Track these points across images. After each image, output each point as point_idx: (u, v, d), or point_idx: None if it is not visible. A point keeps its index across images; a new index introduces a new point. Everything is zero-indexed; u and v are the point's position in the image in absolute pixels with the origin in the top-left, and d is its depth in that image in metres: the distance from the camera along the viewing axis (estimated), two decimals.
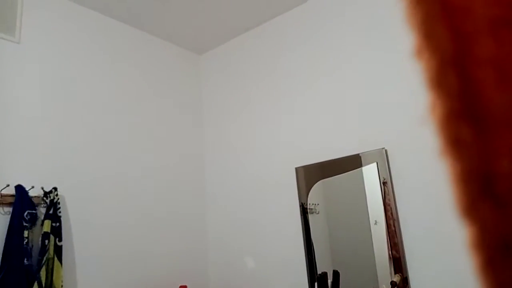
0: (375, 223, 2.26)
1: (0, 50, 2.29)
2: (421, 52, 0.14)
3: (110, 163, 2.64)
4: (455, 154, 0.13)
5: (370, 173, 2.34)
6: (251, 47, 3.15)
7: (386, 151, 2.30)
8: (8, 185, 2.12)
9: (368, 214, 2.29)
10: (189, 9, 2.85)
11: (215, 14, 2.93)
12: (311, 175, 2.61)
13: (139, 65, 3.01)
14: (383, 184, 2.27)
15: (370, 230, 2.27)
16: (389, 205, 2.23)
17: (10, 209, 2.08)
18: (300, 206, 2.62)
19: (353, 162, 2.42)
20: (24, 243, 2.00)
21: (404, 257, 2.14)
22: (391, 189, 2.24)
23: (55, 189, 2.23)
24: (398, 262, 2.15)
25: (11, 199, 2.09)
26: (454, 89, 0.13)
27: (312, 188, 2.58)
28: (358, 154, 2.40)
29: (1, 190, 2.09)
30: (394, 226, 2.20)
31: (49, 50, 2.50)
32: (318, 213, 2.54)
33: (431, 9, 0.14)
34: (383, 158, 2.30)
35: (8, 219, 2.05)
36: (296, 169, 2.69)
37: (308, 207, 2.58)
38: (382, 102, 2.38)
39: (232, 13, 2.93)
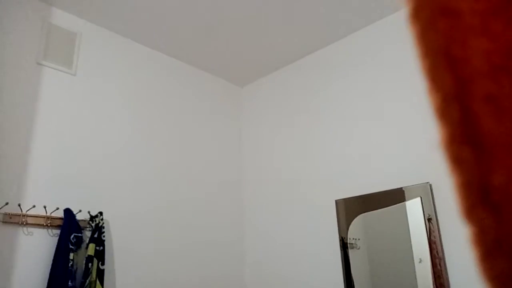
0: (420, 261, 2.15)
1: (58, 80, 2.46)
2: (429, 91, 0.17)
3: (153, 191, 2.71)
4: (457, 170, 0.16)
5: (414, 208, 2.26)
6: (292, 80, 3.19)
7: (430, 185, 2.22)
8: (57, 208, 2.23)
9: (412, 252, 2.20)
10: (232, 43, 2.95)
11: (257, 47, 3.01)
12: (351, 208, 2.55)
13: (183, 96, 3.13)
14: (428, 220, 2.18)
15: (414, 269, 2.17)
16: (434, 242, 2.13)
17: (58, 232, 2.18)
18: (340, 240, 2.56)
19: (396, 196, 2.35)
20: (69, 265, 2.07)
21: None
22: (436, 226, 2.15)
23: (101, 213, 2.32)
24: None
25: (60, 222, 2.19)
26: (456, 119, 0.16)
27: (353, 222, 2.52)
28: (401, 188, 2.33)
29: (51, 213, 2.20)
30: (440, 266, 2.09)
31: (101, 82, 2.65)
32: (359, 248, 2.46)
33: (436, 60, 0.17)
34: (427, 193, 2.22)
35: (56, 241, 2.14)
36: (336, 201, 2.64)
37: (348, 242, 2.51)
38: (427, 135, 2.32)
39: (273, 46, 3.00)
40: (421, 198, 2.24)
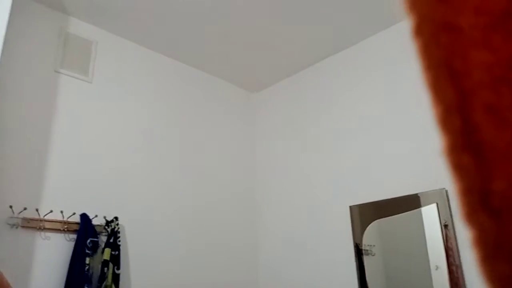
0: (436, 269, 2.12)
1: (75, 88, 2.51)
2: (432, 103, 0.18)
3: (167, 196, 2.73)
4: (458, 176, 0.17)
5: (430, 214, 2.23)
6: (305, 86, 3.19)
7: (446, 191, 2.19)
8: (74, 213, 2.26)
9: (428, 259, 2.17)
10: (244, 49, 2.97)
11: (270, 53, 3.03)
12: (366, 214, 2.53)
13: (197, 102, 3.15)
14: (444, 226, 2.15)
15: (431, 276, 2.14)
16: (451, 249, 2.10)
17: (74, 236, 2.21)
18: (354, 246, 2.54)
19: (411, 202, 2.32)
20: (86, 269, 2.10)
21: None
22: (453, 232, 2.12)
23: (116, 218, 2.34)
24: None
25: (76, 227, 2.22)
26: (457, 129, 0.17)
27: (367, 228, 2.50)
28: (417, 194, 2.31)
29: (67, 218, 2.23)
30: (457, 273, 2.05)
31: (116, 90, 2.69)
32: (374, 255, 2.44)
33: (438, 73, 0.18)
34: (443, 199, 2.19)
35: (72, 246, 2.17)
36: (351, 207, 2.63)
37: (363, 248, 2.49)
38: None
39: (286, 52, 3.01)
40: (437, 204, 2.21)
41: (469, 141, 0.17)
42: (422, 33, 0.18)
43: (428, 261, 2.17)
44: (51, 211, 2.19)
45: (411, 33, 0.19)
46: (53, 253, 2.15)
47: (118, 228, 2.32)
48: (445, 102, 0.18)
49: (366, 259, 2.46)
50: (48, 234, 2.16)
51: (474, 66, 0.17)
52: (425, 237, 2.21)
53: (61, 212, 2.22)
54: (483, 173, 0.16)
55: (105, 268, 2.16)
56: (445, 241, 2.13)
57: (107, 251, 2.20)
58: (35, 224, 2.11)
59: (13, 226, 2.06)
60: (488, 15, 0.16)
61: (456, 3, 0.17)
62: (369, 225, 2.50)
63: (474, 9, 0.17)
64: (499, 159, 0.16)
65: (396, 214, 2.38)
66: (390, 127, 2.57)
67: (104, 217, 2.35)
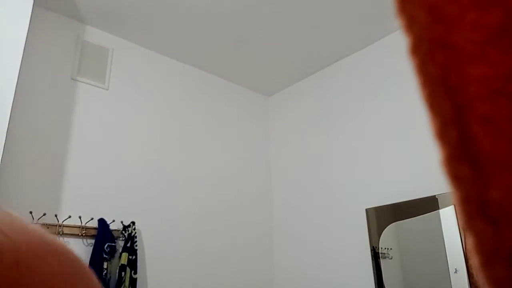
0: (455, 272, 2.08)
1: (92, 95, 2.55)
2: (429, 117, 0.19)
3: (183, 201, 2.75)
4: (456, 186, 0.18)
5: (448, 216, 2.19)
6: (319, 88, 3.18)
7: None
8: (92, 219, 2.30)
9: (447, 261, 2.13)
10: (258, 53, 2.98)
11: (284, 57, 3.03)
12: (383, 217, 2.50)
13: (212, 107, 3.17)
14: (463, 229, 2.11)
15: (450, 279, 2.10)
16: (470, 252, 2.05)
17: (92, 241, 2.24)
18: (371, 249, 2.51)
19: (429, 204, 2.28)
20: (103, 274, 2.13)
21: None
22: None
23: (133, 223, 2.37)
24: None
25: (94, 232, 2.26)
26: (454, 141, 0.18)
27: (384, 231, 2.47)
28: (435, 196, 2.27)
29: (85, 223, 2.27)
30: (477, 276, 2.01)
31: (132, 96, 2.73)
32: (391, 258, 2.40)
33: (434, 89, 0.18)
34: None
35: (90, 251, 2.20)
36: (367, 210, 2.60)
37: (380, 251, 2.46)
38: None
39: (300, 55, 3.01)
40: (455, 206, 2.17)
41: (466, 153, 0.17)
42: (418, 52, 0.19)
43: (447, 264, 2.12)
44: (70, 217, 2.23)
45: (408, 52, 0.19)
46: None
47: (135, 232, 2.35)
48: (442, 116, 0.18)
49: (383, 263, 2.43)
50: (67, 239, 2.20)
51: (471, 80, 0.17)
52: (443, 240, 2.17)
53: (79, 217, 2.26)
54: (480, 183, 0.17)
55: (123, 273, 2.18)
56: (464, 243, 2.09)
57: (124, 255, 2.23)
58: (54, 230, 2.16)
59: None
60: (485, 31, 0.17)
61: (453, 21, 0.17)
62: (386, 228, 2.46)
63: (471, 25, 0.17)
64: (496, 168, 0.17)
65: (413, 216, 2.34)
66: (407, 128, 2.54)
67: (121, 222, 2.38)
